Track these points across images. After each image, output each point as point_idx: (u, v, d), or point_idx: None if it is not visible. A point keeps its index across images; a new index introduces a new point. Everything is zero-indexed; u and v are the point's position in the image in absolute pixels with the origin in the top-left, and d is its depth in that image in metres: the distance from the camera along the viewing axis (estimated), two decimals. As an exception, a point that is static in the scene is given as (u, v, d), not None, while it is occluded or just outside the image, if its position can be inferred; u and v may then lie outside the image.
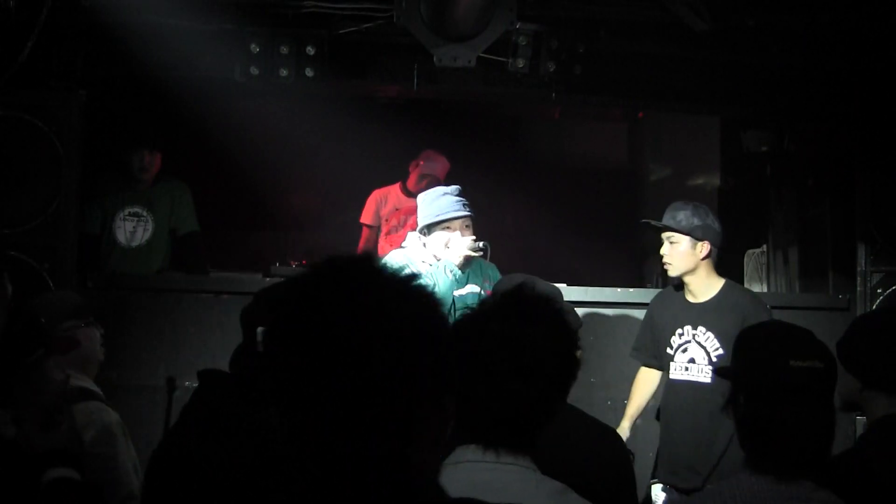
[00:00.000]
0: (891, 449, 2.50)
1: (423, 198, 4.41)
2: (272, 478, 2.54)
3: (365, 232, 6.23)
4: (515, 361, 1.80)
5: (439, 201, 4.31)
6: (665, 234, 4.20)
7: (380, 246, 6.07)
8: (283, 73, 4.82)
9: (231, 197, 7.27)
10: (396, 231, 6.05)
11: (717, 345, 4.12)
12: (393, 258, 4.28)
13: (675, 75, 5.29)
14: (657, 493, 4.25)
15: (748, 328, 2.41)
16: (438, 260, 4.27)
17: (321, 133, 7.18)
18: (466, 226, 4.30)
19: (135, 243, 5.54)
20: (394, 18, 4.42)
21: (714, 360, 4.11)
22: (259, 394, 2.64)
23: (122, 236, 5.52)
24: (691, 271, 4.19)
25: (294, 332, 1.22)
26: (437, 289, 4.08)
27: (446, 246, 4.26)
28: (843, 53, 4.89)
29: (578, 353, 1.96)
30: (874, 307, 4.97)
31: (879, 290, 5.02)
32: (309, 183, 7.70)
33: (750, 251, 6.06)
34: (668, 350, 4.26)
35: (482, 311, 1.91)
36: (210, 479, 2.51)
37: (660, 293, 4.54)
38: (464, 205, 4.30)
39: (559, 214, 7.58)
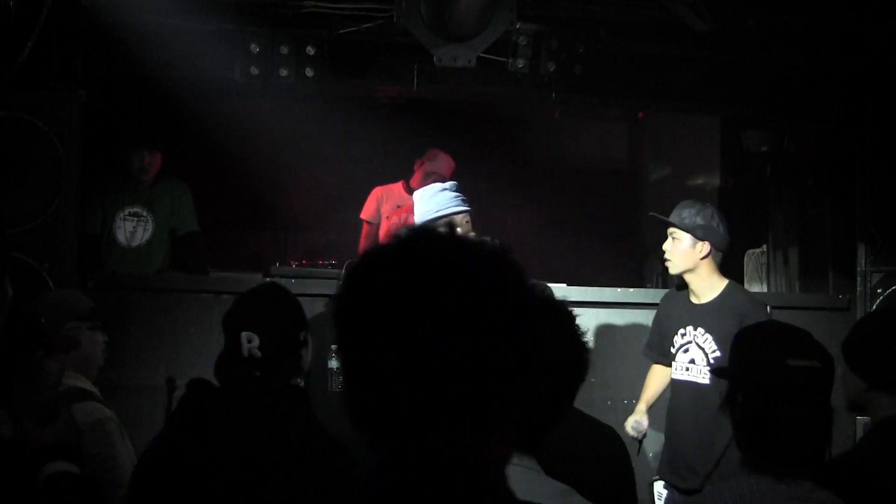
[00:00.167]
0: (893, 449, 2.50)
1: (420, 194, 4.37)
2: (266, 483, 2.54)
3: (365, 228, 6.22)
4: None
5: (438, 197, 4.28)
6: (669, 230, 4.22)
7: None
8: (283, 73, 4.82)
9: (231, 197, 7.27)
10: (397, 229, 6.04)
11: (715, 347, 4.12)
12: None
13: (675, 75, 5.29)
14: (659, 489, 4.26)
15: (745, 328, 2.41)
16: None
17: (321, 133, 7.18)
18: (466, 221, 4.29)
19: (135, 243, 5.54)
20: (394, 18, 4.42)
21: (711, 361, 4.11)
22: (246, 399, 2.64)
23: (122, 236, 5.52)
24: (691, 270, 4.19)
25: (374, 302, 1.12)
26: None
27: None
28: (843, 53, 4.89)
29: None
30: (874, 307, 4.97)
31: (879, 290, 5.02)
32: (309, 183, 7.69)
33: (750, 251, 6.06)
34: (672, 349, 4.27)
35: None
36: (199, 484, 2.51)
37: (668, 293, 4.57)
38: (463, 200, 4.28)
39: (559, 214, 7.59)
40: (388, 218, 6.15)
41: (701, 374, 4.14)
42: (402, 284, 1.11)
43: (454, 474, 1.12)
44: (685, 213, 4.19)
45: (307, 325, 2.80)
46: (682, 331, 4.24)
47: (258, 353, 2.63)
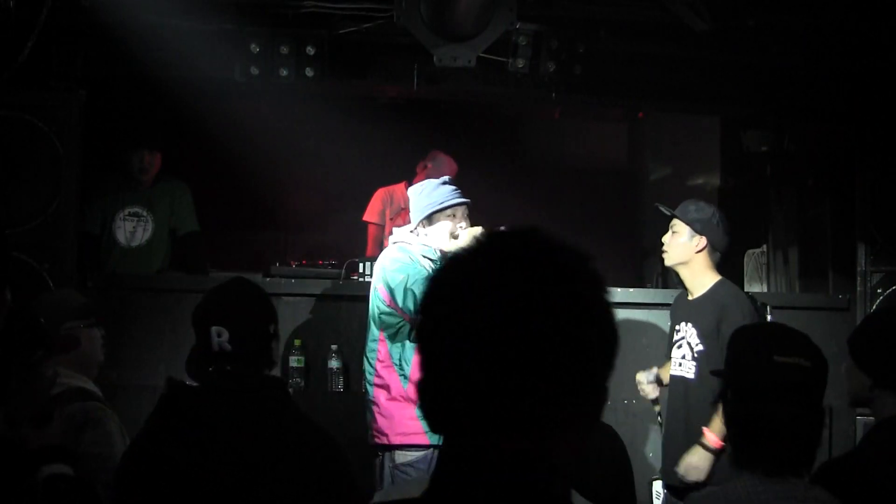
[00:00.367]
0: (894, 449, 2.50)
1: (418, 190, 4.34)
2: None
3: (372, 230, 6.20)
4: None
5: (439, 190, 4.26)
6: (671, 224, 4.28)
7: (385, 245, 6.05)
8: (283, 73, 4.82)
9: (231, 197, 7.27)
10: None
11: (698, 340, 4.15)
12: (392, 255, 4.24)
13: (675, 75, 5.29)
14: (658, 489, 4.27)
15: (740, 328, 2.41)
16: (443, 252, 4.23)
17: (321, 133, 7.18)
18: (466, 215, 4.29)
19: (135, 243, 5.54)
20: (394, 18, 4.42)
21: (696, 355, 4.14)
22: (224, 394, 2.65)
23: (122, 236, 5.52)
24: (684, 264, 4.23)
25: (451, 305, 1.13)
26: None
27: (453, 236, 4.23)
28: (843, 53, 4.89)
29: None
30: (874, 307, 4.97)
31: (879, 290, 5.02)
32: (309, 183, 7.69)
33: (750, 251, 6.06)
34: (670, 346, 4.30)
35: None
36: (183, 482, 2.51)
37: (678, 294, 4.58)
38: (461, 193, 4.28)
39: (559, 214, 7.58)
40: (392, 220, 6.14)
41: (688, 369, 4.17)
42: (494, 288, 1.12)
43: (526, 475, 1.13)
44: (689, 208, 4.25)
45: (276, 319, 2.84)
46: (677, 327, 4.29)
47: (228, 347, 2.67)
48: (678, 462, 4.04)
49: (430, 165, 6.08)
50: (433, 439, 3.98)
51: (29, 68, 4.50)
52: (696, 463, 3.97)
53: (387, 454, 4.14)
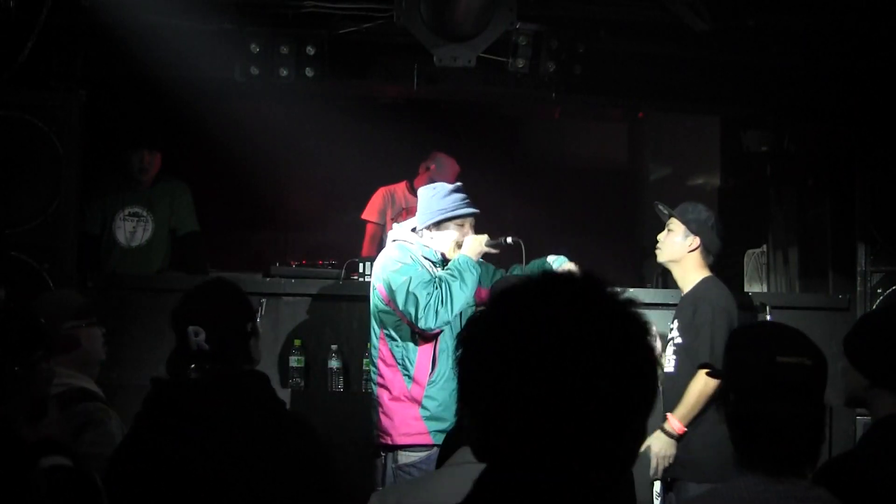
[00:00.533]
0: (894, 448, 2.50)
1: (430, 192, 4.30)
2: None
3: (370, 229, 6.19)
4: None
5: (451, 197, 4.24)
6: (668, 222, 4.40)
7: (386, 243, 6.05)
8: (283, 73, 4.82)
9: (231, 197, 7.27)
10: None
11: (678, 334, 4.26)
12: (393, 255, 4.23)
13: (675, 75, 5.29)
14: (657, 490, 4.29)
15: (738, 328, 2.41)
16: (443, 257, 4.23)
17: (321, 133, 7.18)
18: (472, 225, 4.30)
19: (135, 243, 5.54)
20: (394, 18, 4.42)
21: (675, 348, 4.25)
22: (205, 391, 2.67)
23: (122, 236, 5.52)
24: (676, 261, 4.35)
25: (500, 344, 1.17)
26: (461, 284, 4.03)
27: (458, 244, 4.22)
28: (843, 53, 4.89)
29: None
30: (874, 307, 4.97)
31: (879, 290, 5.02)
32: (309, 183, 7.69)
33: (750, 251, 6.06)
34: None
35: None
36: (171, 481, 2.52)
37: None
38: (469, 202, 4.28)
39: (559, 214, 7.58)
40: (393, 219, 6.13)
41: (670, 364, 4.26)
42: (548, 328, 1.16)
43: (573, 484, 1.16)
44: (687, 209, 4.37)
45: (254, 317, 2.87)
46: (671, 325, 4.37)
47: (206, 346, 2.69)
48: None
49: (432, 167, 6.06)
50: (436, 439, 3.97)
51: (29, 68, 4.50)
52: (658, 450, 4.10)
53: (389, 454, 4.14)
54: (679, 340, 4.23)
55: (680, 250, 4.31)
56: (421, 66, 5.00)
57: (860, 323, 2.80)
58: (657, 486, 4.30)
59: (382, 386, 4.19)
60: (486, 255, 4.30)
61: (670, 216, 4.37)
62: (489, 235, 4.25)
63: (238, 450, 2.53)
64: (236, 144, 6.85)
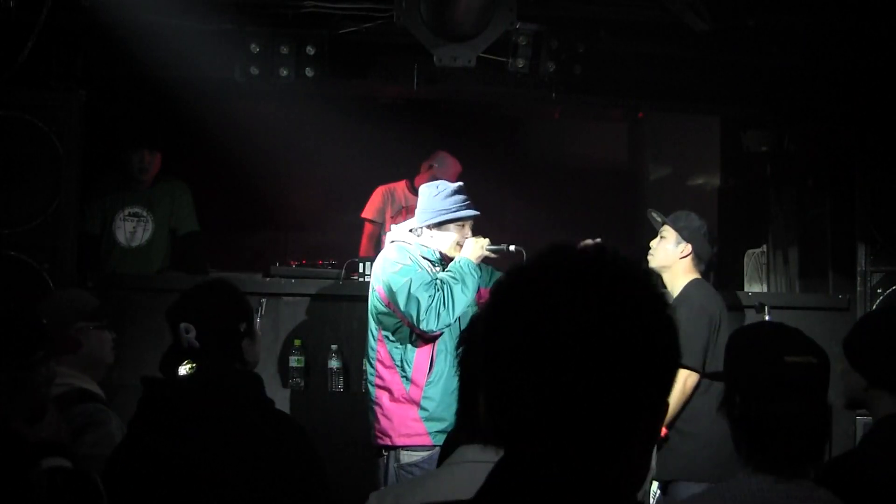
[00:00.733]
0: (894, 448, 2.50)
1: (431, 192, 4.28)
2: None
3: (368, 227, 6.20)
4: None
5: (453, 198, 4.24)
6: (661, 229, 4.46)
7: (382, 242, 6.05)
8: (283, 73, 4.82)
9: (231, 197, 7.26)
10: None
11: None
12: (392, 256, 4.22)
13: (675, 75, 5.29)
14: (654, 489, 4.29)
15: (738, 329, 2.41)
16: (442, 257, 4.23)
17: (321, 133, 7.18)
18: (471, 225, 4.30)
19: (135, 243, 5.53)
20: (394, 18, 4.42)
21: None
22: (195, 390, 2.68)
23: (122, 236, 5.52)
24: (667, 268, 4.40)
25: (516, 322, 1.12)
26: (462, 287, 4.03)
27: (458, 244, 4.22)
28: (843, 53, 4.89)
29: None
30: (874, 307, 4.97)
31: (879, 290, 5.02)
32: (309, 183, 7.69)
33: (750, 251, 6.06)
34: None
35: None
36: (166, 481, 2.52)
37: None
38: (470, 203, 4.28)
39: (559, 214, 7.58)
40: (392, 218, 6.13)
41: None
42: (564, 305, 1.11)
43: (588, 483, 1.12)
44: (679, 216, 4.46)
45: (250, 319, 2.87)
46: None
47: (196, 344, 2.69)
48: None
49: (435, 166, 6.06)
50: (436, 440, 3.97)
51: (29, 68, 4.50)
52: None
53: (391, 454, 4.13)
54: None
55: (671, 257, 4.39)
56: (421, 66, 4.99)
57: (859, 324, 2.80)
58: (653, 486, 4.30)
59: (382, 388, 4.18)
60: (485, 259, 4.29)
61: (663, 223, 4.44)
62: (490, 239, 4.25)
63: (219, 449, 2.53)
64: (236, 144, 6.84)
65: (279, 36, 4.78)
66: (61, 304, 3.36)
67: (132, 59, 4.68)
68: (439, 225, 4.22)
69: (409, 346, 4.13)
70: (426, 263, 4.17)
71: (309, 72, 4.83)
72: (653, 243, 4.46)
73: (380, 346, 4.19)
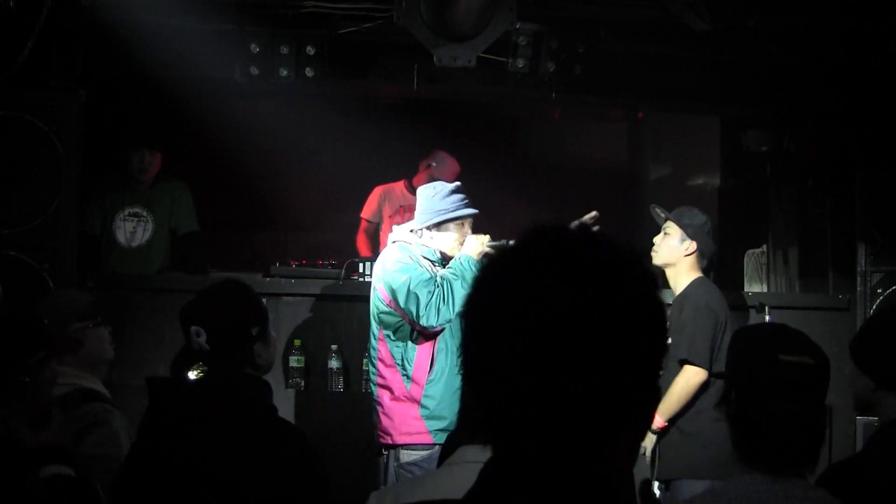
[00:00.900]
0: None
1: (430, 192, 4.29)
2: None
3: (363, 225, 6.23)
4: None
5: (451, 198, 4.24)
6: (664, 226, 4.46)
7: (382, 242, 6.06)
8: (283, 73, 4.81)
9: (231, 197, 7.26)
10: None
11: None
12: (393, 255, 4.23)
13: (675, 75, 5.29)
14: (654, 491, 4.29)
15: (740, 329, 2.41)
16: (443, 256, 4.23)
17: (321, 133, 7.18)
18: (470, 224, 4.30)
19: (135, 243, 5.53)
20: (394, 18, 4.42)
21: None
22: (200, 392, 2.68)
23: (122, 236, 5.51)
24: (672, 265, 4.41)
25: (501, 303, 1.09)
26: (462, 283, 4.03)
27: (459, 243, 4.22)
28: (843, 53, 4.89)
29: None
30: (874, 307, 4.97)
31: (879, 290, 5.02)
32: (309, 183, 7.69)
33: (750, 251, 6.06)
34: None
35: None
36: (170, 483, 2.53)
37: None
38: (469, 202, 4.28)
39: (559, 214, 7.57)
40: (390, 217, 6.14)
41: None
42: (544, 289, 1.08)
43: (578, 479, 1.09)
44: (683, 213, 4.44)
45: (263, 322, 2.84)
46: None
47: (206, 346, 2.68)
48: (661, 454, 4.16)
49: (433, 165, 6.08)
50: (436, 438, 3.98)
51: (29, 68, 4.50)
52: None
53: (391, 453, 4.14)
54: (668, 340, 4.24)
55: (676, 254, 4.39)
56: (421, 66, 4.99)
57: (865, 326, 2.80)
58: (653, 486, 4.30)
59: (383, 386, 4.19)
60: (485, 256, 4.29)
61: (666, 220, 4.43)
62: (490, 236, 4.25)
63: (218, 454, 2.53)
64: (236, 144, 6.84)
65: (279, 36, 4.78)
66: (56, 305, 3.35)
67: (132, 59, 4.68)
68: (439, 225, 4.23)
69: (409, 344, 4.14)
70: (427, 263, 4.18)
71: (309, 72, 4.83)
72: (656, 239, 4.46)
73: (381, 345, 4.20)
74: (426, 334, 4.12)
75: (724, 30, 4.47)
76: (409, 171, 6.24)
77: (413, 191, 6.05)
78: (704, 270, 4.43)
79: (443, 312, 4.01)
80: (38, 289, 4.49)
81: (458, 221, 4.24)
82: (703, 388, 4.15)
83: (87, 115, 4.83)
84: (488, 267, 1.15)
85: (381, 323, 4.19)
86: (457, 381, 4.05)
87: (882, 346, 2.60)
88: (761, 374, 2.10)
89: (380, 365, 4.20)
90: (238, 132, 6.82)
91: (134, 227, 5.54)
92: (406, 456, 4.09)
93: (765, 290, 5.83)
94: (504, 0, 4.38)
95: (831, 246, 5.40)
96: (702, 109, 6.02)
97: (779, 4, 4.54)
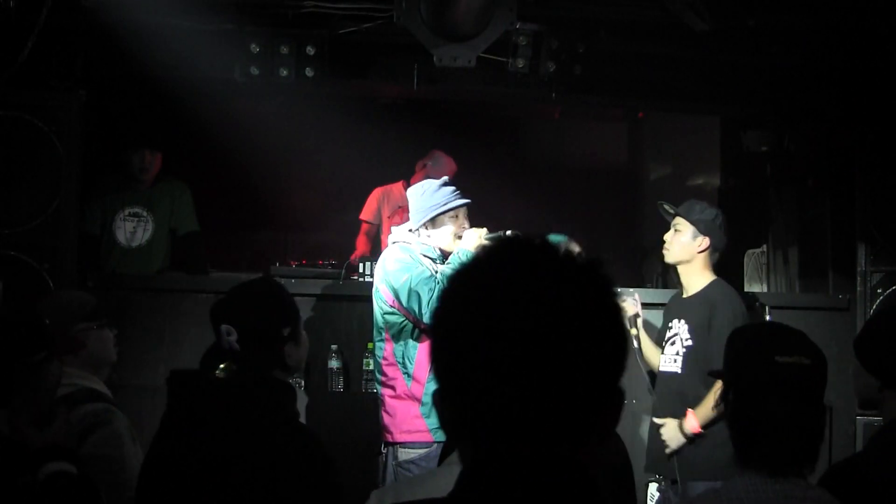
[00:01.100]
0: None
1: (418, 191, 4.32)
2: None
3: (363, 228, 6.22)
4: None
5: (440, 192, 4.25)
6: (673, 222, 4.37)
7: (382, 243, 6.06)
8: (283, 73, 4.82)
9: (231, 197, 7.27)
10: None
11: (689, 336, 4.24)
12: (394, 255, 4.24)
13: (675, 75, 5.29)
14: (652, 492, 4.28)
15: (738, 328, 2.41)
16: (443, 253, 4.23)
17: (321, 133, 7.18)
18: (467, 215, 4.30)
19: (135, 243, 5.53)
20: (394, 18, 4.42)
21: (684, 349, 4.24)
22: (224, 391, 2.67)
23: (122, 236, 5.52)
24: (686, 262, 4.33)
25: (469, 314, 1.13)
26: None
27: (457, 236, 4.23)
28: (843, 53, 4.89)
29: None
30: (874, 307, 4.97)
31: (879, 290, 5.02)
32: (309, 183, 7.69)
33: (750, 251, 6.06)
34: (663, 343, 4.35)
35: None
36: (187, 481, 2.52)
37: (674, 293, 4.65)
38: (461, 193, 4.29)
39: (559, 214, 7.58)
40: (389, 218, 6.14)
41: (677, 364, 4.26)
42: (507, 297, 1.12)
43: (550, 478, 1.13)
44: (693, 208, 4.35)
45: (295, 322, 2.82)
46: (670, 324, 4.39)
47: (237, 346, 2.67)
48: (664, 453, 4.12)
49: (429, 164, 6.08)
50: (436, 436, 3.99)
51: (29, 68, 4.50)
52: (667, 439, 4.11)
53: (390, 450, 4.15)
54: (689, 342, 4.21)
55: (689, 251, 4.30)
56: (421, 66, 4.99)
57: (868, 325, 2.80)
58: (653, 487, 4.29)
59: (386, 385, 4.21)
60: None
61: (676, 215, 4.35)
62: (487, 229, 4.26)
63: (232, 455, 2.52)
64: (236, 144, 6.84)
65: (279, 36, 4.78)
66: (60, 305, 3.36)
67: (132, 59, 4.68)
68: (433, 221, 4.24)
69: (410, 342, 4.15)
70: (428, 261, 4.19)
71: (309, 72, 4.83)
72: (667, 237, 4.37)
73: (385, 344, 4.22)
74: (429, 332, 4.13)
75: (724, 30, 4.47)
76: (410, 172, 6.24)
77: (412, 191, 6.06)
78: (715, 265, 4.34)
79: None
80: (38, 289, 4.49)
81: (451, 213, 4.25)
82: None
83: (87, 115, 4.83)
84: (457, 275, 1.19)
85: (385, 323, 4.19)
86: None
87: (886, 346, 2.60)
88: (757, 375, 2.11)
89: (383, 363, 4.22)
90: (238, 132, 6.82)
91: (134, 227, 5.54)
92: (404, 454, 4.10)
93: (765, 290, 5.84)
94: (504, 0, 4.38)
95: (831, 246, 5.40)
96: (702, 109, 6.02)
97: (779, 4, 4.54)
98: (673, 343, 4.31)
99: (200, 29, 4.73)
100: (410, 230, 4.30)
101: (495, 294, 1.12)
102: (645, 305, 4.79)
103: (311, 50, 4.79)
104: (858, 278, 5.06)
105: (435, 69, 4.69)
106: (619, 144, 8.48)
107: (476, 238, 4.18)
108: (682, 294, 4.41)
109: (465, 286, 1.17)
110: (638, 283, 7.01)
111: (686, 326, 4.26)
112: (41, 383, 2.60)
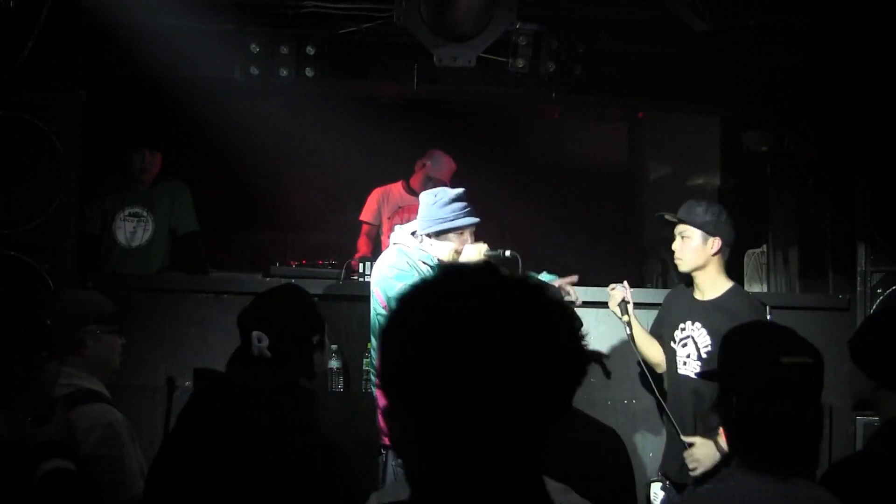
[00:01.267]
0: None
1: (431, 199, 4.29)
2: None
3: (364, 229, 6.23)
4: None
5: (450, 207, 4.24)
6: (678, 230, 4.26)
7: (383, 244, 6.06)
8: (283, 73, 4.81)
9: (231, 197, 7.27)
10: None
11: (708, 341, 4.19)
12: (390, 261, 4.24)
13: (675, 75, 5.29)
14: (656, 491, 4.27)
15: (732, 330, 2.41)
16: (440, 263, 4.24)
17: (321, 133, 7.18)
18: (471, 232, 4.30)
19: (135, 243, 5.54)
20: (394, 18, 4.42)
21: (703, 356, 4.19)
22: (247, 396, 2.66)
23: (122, 236, 5.52)
24: (701, 267, 4.23)
25: (424, 334, 1.21)
26: None
27: (457, 252, 4.22)
28: (843, 53, 4.89)
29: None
30: (874, 307, 4.97)
31: (879, 290, 5.02)
32: (309, 183, 7.69)
33: (750, 251, 6.06)
34: (672, 344, 4.32)
35: None
36: (211, 481, 2.52)
37: (674, 288, 4.63)
38: (471, 211, 4.27)
39: (559, 214, 7.58)
40: (389, 219, 6.15)
41: (694, 368, 4.22)
42: (456, 321, 1.19)
43: (503, 476, 1.20)
44: (696, 210, 4.24)
45: (322, 330, 2.82)
46: (682, 325, 4.31)
47: (267, 353, 2.66)
48: (678, 457, 4.09)
49: (428, 164, 6.08)
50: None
51: (29, 68, 4.50)
52: (700, 457, 4.01)
53: (390, 452, 4.15)
54: (710, 349, 4.15)
55: (702, 256, 4.20)
56: (421, 66, 4.99)
57: (864, 325, 2.80)
58: (655, 487, 4.28)
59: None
60: None
61: (679, 222, 4.23)
62: (488, 244, 4.26)
63: (246, 460, 2.52)
64: (236, 144, 6.85)
65: (279, 36, 4.78)
66: (75, 305, 3.36)
67: (132, 59, 4.68)
68: (438, 234, 4.24)
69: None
70: (425, 268, 4.20)
71: (309, 72, 4.83)
72: (675, 246, 4.25)
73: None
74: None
75: (724, 30, 4.47)
76: (409, 172, 6.25)
77: (411, 191, 6.07)
78: (726, 264, 4.28)
79: None
80: (38, 289, 4.49)
81: (457, 232, 4.25)
82: None
83: (87, 115, 4.83)
84: (405, 301, 1.26)
85: (379, 325, 4.19)
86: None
87: (881, 345, 2.60)
88: (763, 377, 2.11)
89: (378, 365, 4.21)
90: (238, 132, 6.83)
91: (134, 227, 5.54)
92: (403, 455, 4.10)
93: (765, 290, 5.84)
94: (504, 0, 4.38)
95: (831, 246, 5.40)
96: (702, 109, 6.02)
97: (779, 4, 4.53)
98: (685, 345, 4.26)
99: (200, 29, 4.73)
100: (413, 233, 4.30)
101: (440, 314, 1.20)
102: (645, 305, 4.79)
103: (311, 50, 4.79)
104: (858, 278, 5.06)
105: (435, 69, 4.68)
106: (619, 144, 8.49)
107: (475, 255, 4.18)
108: (694, 294, 4.32)
109: (413, 307, 1.24)
110: (638, 283, 7.01)
111: (704, 331, 4.20)
112: (39, 382, 2.60)
